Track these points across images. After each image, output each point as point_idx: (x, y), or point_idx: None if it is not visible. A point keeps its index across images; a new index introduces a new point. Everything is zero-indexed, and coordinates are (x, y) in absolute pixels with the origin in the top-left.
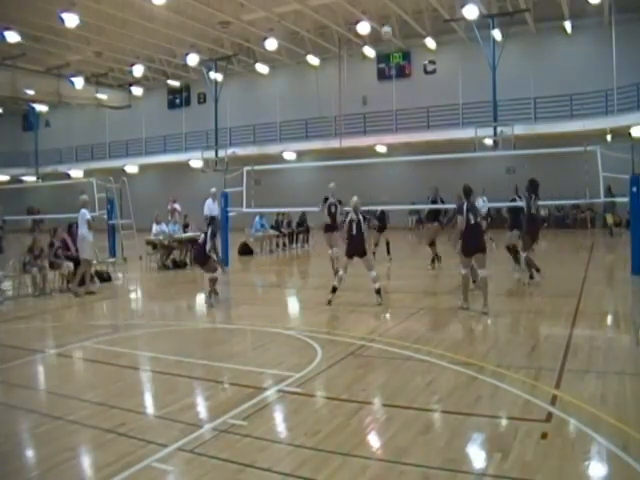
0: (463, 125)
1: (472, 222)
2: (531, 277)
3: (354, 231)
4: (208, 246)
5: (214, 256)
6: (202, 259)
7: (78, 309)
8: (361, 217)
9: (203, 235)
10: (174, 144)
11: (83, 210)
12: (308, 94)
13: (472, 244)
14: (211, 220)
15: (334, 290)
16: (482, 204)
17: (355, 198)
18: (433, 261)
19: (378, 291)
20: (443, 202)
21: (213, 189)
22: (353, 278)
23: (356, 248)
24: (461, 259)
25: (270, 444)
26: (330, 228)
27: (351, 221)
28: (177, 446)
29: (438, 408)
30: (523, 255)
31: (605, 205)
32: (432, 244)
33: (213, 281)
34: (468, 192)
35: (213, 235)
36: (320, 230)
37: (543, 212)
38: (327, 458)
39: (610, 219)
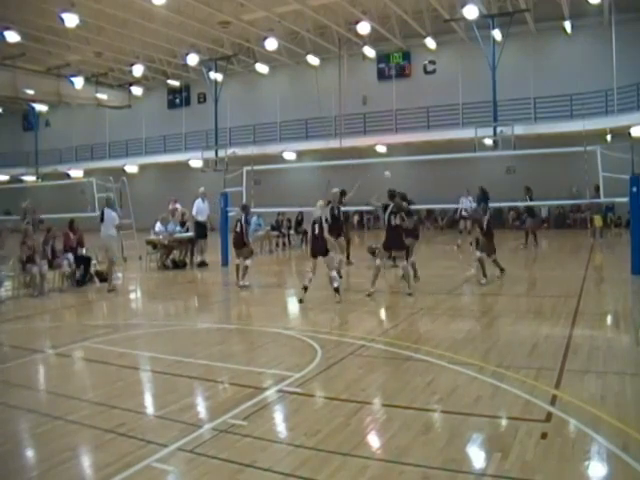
0: (463, 125)
1: (392, 224)
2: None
3: (316, 232)
4: (245, 231)
5: (250, 243)
6: (241, 243)
7: (78, 309)
8: (324, 219)
9: (238, 222)
10: (174, 144)
11: (113, 214)
12: (308, 94)
13: (390, 242)
14: (247, 216)
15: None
16: (468, 204)
17: (321, 202)
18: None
19: (337, 290)
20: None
21: (202, 188)
22: (353, 279)
23: (317, 249)
24: (379, 251)
25: (270, 444)
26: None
27: (314, 222)
28: (177, 446)
29: (438, 408)
30: (479, 255)
31: (592, 206)
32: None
33: (245, 268)
34: (391, 196)
35: (247, 222)
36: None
37: (544, 212)
38: (327, 458)
39: (599, 222)
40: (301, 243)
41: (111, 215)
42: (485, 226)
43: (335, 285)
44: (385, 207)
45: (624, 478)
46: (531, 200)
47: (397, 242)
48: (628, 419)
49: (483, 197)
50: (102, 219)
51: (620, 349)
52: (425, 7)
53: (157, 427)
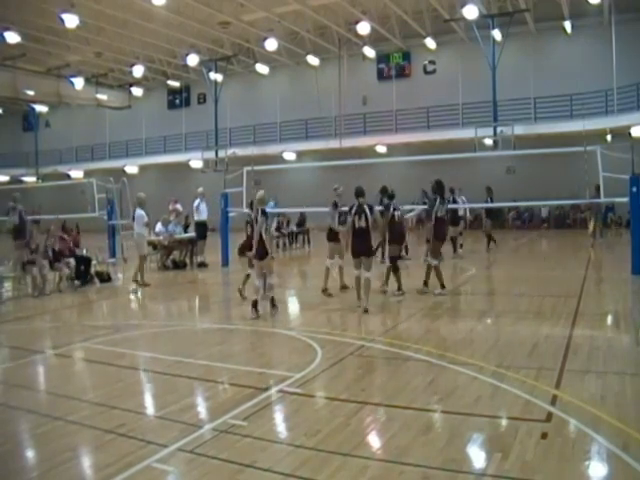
0: (463, 125)
1: (357, 226)
2: (426, 285)
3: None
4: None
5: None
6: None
7: (78, 309)
8: (265, 216)
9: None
10: (174, 144)
11: (142, 212)
12: (308, 94)
13: (356, 247)
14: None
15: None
16: (460, 204)
17: (261, 192)
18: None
19: (255, 303)
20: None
21: (200, 189)
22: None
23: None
24: (353, 261)
25: (270, 444)
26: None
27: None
28: (177, 446)
29: (438, 408)
30: (433, 263)
31: (592, 206)
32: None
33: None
34: (358, 194)
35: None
36: (320, 231)
37: (531, 213)
38: (327, 458)
39: (594, 226)
40: (303, 244)
41: (140, 214)
42: (435, 226)
43: (268, 293)
44: (350, 208)
45: (624, 478)
46: (492, 201)
47: (363, 247)
48: (628, 419)
49: (438, 191)
50: (133, 218)
51: (620, 349)
52: (425, 7)
53: (157, 427)
